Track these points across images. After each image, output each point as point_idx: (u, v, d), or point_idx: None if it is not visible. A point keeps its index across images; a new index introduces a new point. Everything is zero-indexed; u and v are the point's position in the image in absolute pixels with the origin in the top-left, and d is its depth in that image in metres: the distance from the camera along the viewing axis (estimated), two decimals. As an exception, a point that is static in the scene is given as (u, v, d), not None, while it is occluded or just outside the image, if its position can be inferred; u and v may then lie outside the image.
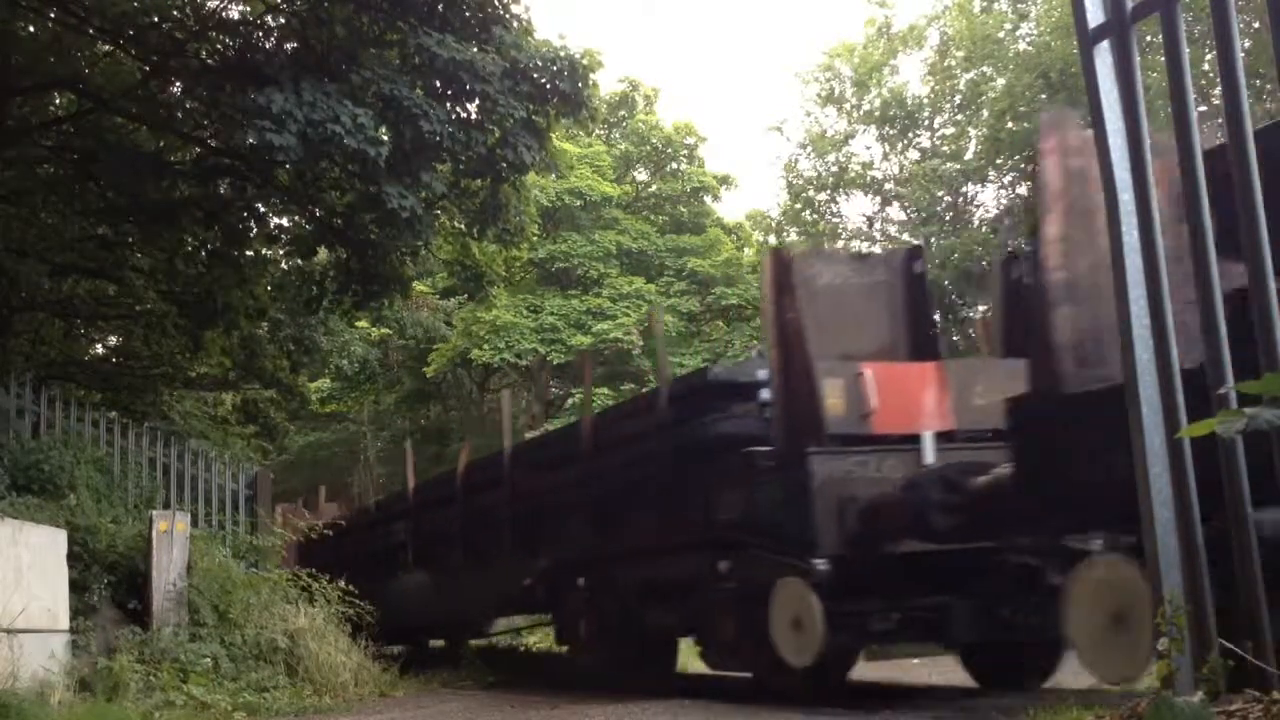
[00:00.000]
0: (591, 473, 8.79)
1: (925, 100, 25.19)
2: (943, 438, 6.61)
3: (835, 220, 27.13)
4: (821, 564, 6.37)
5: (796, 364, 6.77)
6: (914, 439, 6.57)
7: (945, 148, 24.58)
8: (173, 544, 8.80)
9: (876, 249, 26.61)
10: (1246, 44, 14.70)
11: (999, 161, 22.91)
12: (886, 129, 25.79)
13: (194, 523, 9.99)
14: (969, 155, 23.70)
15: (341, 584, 9.66)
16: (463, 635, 12.61)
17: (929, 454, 6.48)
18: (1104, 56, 3.68)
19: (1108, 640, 4.86)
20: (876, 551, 6.40)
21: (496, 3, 9.80)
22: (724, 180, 28.79)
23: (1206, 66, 16.32)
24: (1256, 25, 15.44)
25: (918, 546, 6.28)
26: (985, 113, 22.88)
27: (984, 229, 22.64)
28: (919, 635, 6.65)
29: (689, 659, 13.00)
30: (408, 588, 10.89)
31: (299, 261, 12.66)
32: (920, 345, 7.46)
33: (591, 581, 9.03)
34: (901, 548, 6.34)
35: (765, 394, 7.04)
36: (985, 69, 23.45)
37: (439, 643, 13.05)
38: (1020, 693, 6.04)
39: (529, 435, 17.17)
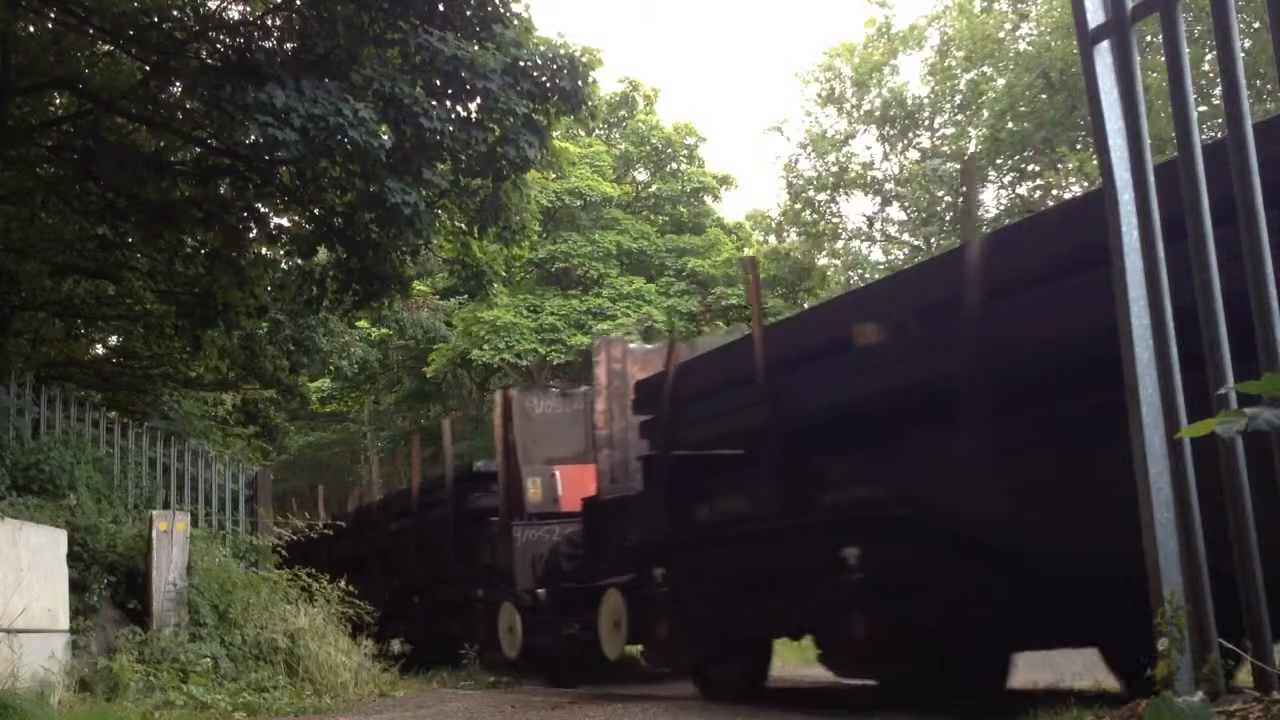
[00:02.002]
0: (418, 524, 12.48)
1: (925, 100, 25.18)
2: None
3: (835, 220, 27.13)
4: (523, 595, 10.04)
5: (512, 467, 10.56)
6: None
7: (945, 148, 24.57)
8: (173, 544, 8.80)
9: (876, 250, 26.68)
10: (1246, 44, 14.71)
11: (999, 161, 22.90)
12: (886, 129, 25.78)
13: (194, 523, 9.99)
14: (969, 155, 23.69)
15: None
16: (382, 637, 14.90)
17: None
18: (1104, 56, 3.68)
19: (613, 635, 8.59)
20: (558, 585, 9.77)
21: (497, 1, 9.80)
22: (724, 180, 28.79)
23: (1206, 67, 16.32)
24: (1256, 25, 15.44)
25: (568, 584, 9.61)
26: (985, 113, 22.87)
27: (985, 229, 22.61)
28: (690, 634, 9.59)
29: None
30: None
31: (299, 261, 12.64)
32: None
33: (420, 599, 12.44)
34: (567, 584, 9.68)
35: None
36: (985, 69, 23.44)
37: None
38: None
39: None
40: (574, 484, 10.01)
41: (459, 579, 11.41)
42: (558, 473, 10.22)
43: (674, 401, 7.62)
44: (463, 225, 12.05)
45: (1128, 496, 3.47)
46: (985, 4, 23.87)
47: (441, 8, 9.59)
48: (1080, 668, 7.67)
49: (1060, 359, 4.75)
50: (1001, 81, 22.52)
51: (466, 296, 23.75)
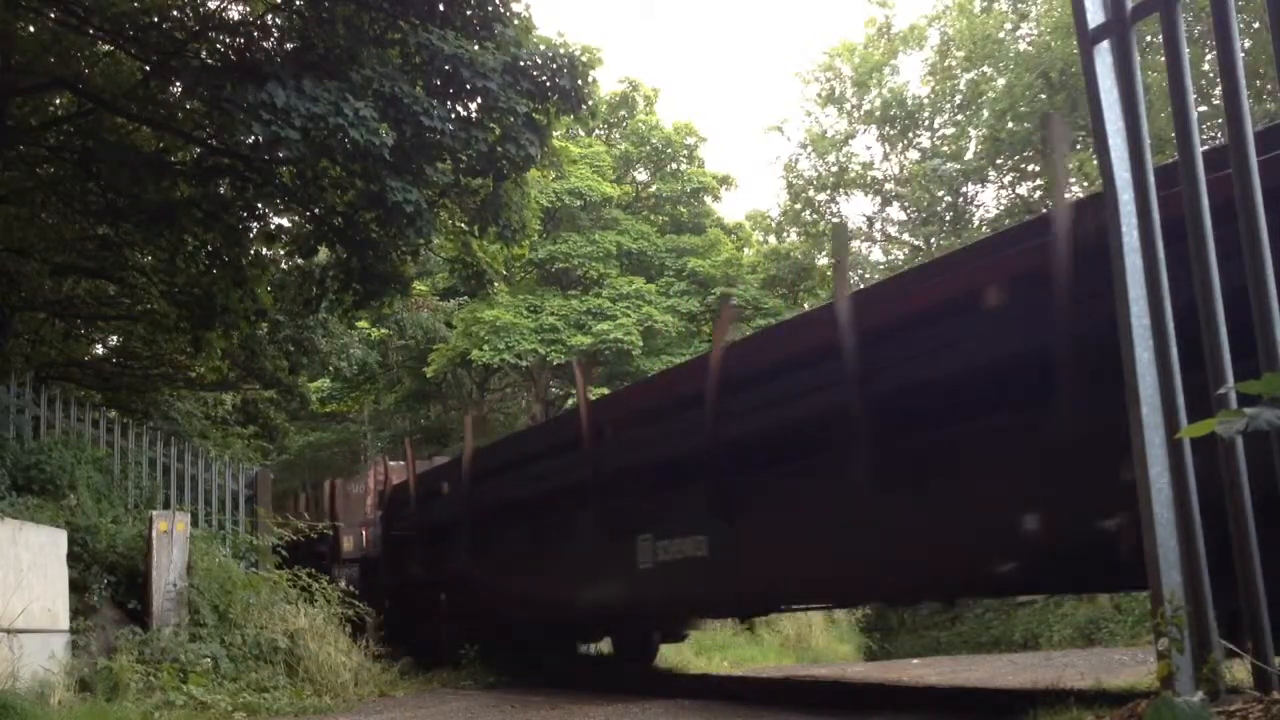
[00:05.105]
0: (307, 554, 14.34)
1: (925, 100, 25.18)
2: None
3: (835, 220, 27.11)
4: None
5: (335, 529, 14.44)
6: None
7: (945, 148, 24.56)
8: (173, 544, 8.80)
9: (876, 250, 26.67)
10: (1246, 44, 14.69)
11: (999, 161, 22.89)
12: (886, 129, 25.78)
13: (194, 523, 9.98)
14: (969, 155, 23.68)
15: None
16: None
17: None
18: (1104, 56, 3.68)
19: (375, 637, 11.54)
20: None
21: (497, 0, 9.79)
22: (724, 180, 28.76)
23: (1206, 67, 16.31)
24: (1256, 25, 15.44)
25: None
26: (985, 113, 22.86)
27: (984, 229, 22.63)
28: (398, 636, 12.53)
29: (687, 659, 13.03)
30: None
31: (299, 261, 12.64)
32: None
33: None
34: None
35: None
36: (985, 69, 23.43)
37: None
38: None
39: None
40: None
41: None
42: (364, 531, 15.00)
43: (390, 505, 13.55)
44: (463, 224, 12.04)
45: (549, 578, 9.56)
46: (985, 4, 23.87)
47: (441, 7, 9.58)
48: (1083, 668, 7.68)
49: (506, 510, 10.24)
50: (1001, 81, 22.51)
51: (466, 296, 23.72)
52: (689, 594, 7.81)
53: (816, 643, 15.75)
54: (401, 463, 13.94)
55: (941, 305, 5.59)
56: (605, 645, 13.10)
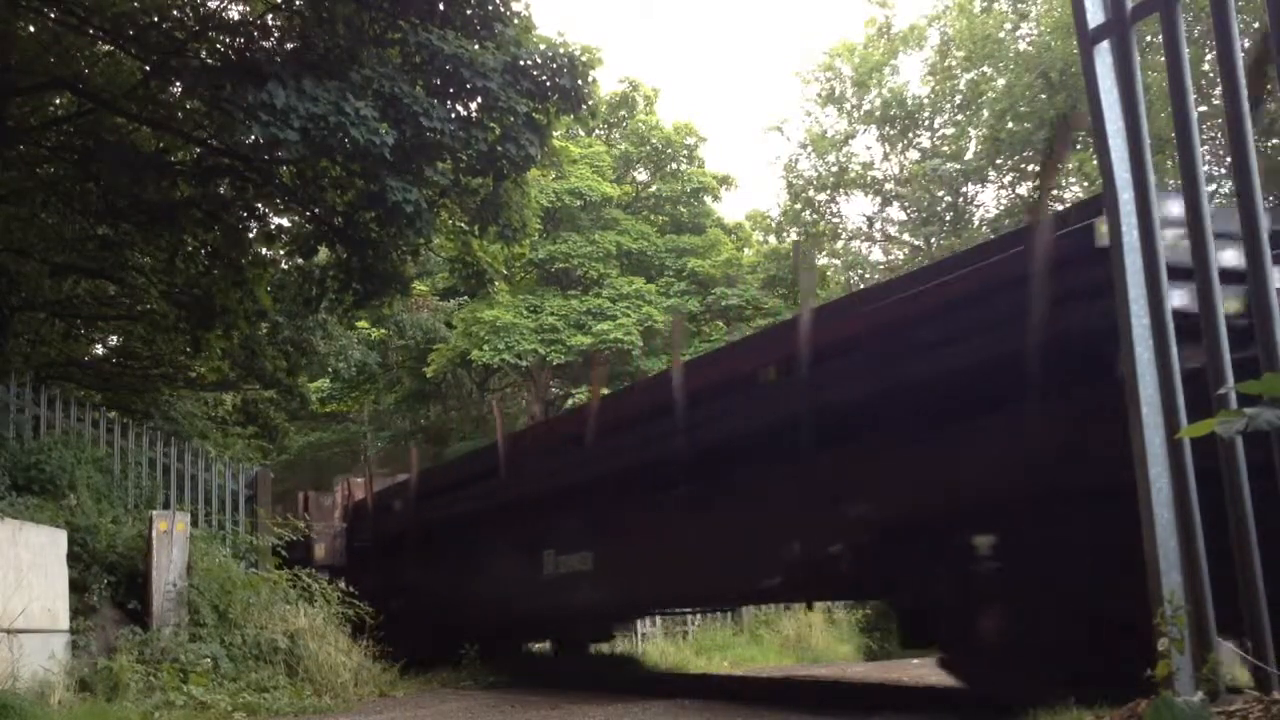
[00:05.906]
0: (299, 560, 15.15)
1: (925, 100, 25.17)
2: None
3: (835, 220, 27.11)
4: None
5: (310, 538, 14.24)
6: None
7: (945, 148, 24.55)
8: (173, 544, 8.79)
9: (876, 250, 26.66)
10: (1246, 44, 14.66)
11: (999, 161, 22.88)
12: (886, 129, 25.77)
13: (194, 523, 9.98)
14: (969, 155, 23.67)
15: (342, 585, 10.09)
16: None
17: None
18: (1104, 56, 3.68)
19: None
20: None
21: (497, 0, 9.80)
22: (724, 180, 28.75)
23: (1206, 67, 16.32)
24: (1256, 25, 15.44)
25: None
26: (985, 113, 22.85)
27: (984, 229, 22.64)
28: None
29: (687, 659, 13.04)
30: None
31: (299, 261, 12.64)
32: None
33: None
34: None
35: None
36: (985, 69, 23.42)
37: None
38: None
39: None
40: None
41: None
42: (334, 541, 15.73)
43: (353, 519, 14.59)
44: (463, 224, 12.04)
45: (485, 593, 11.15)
46: (985, 4, 23.86)
47: (441, 7, 9.58)
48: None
49: (447, 526, 11.74)
50: (1001, 81, 22.50)
51: (466, 296, 23.72)
52: (580, 601, 9.41)
53: (816, 643, 15.72)
54: (363, 479, 15.49)
55: (730, 379, 7.27)
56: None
